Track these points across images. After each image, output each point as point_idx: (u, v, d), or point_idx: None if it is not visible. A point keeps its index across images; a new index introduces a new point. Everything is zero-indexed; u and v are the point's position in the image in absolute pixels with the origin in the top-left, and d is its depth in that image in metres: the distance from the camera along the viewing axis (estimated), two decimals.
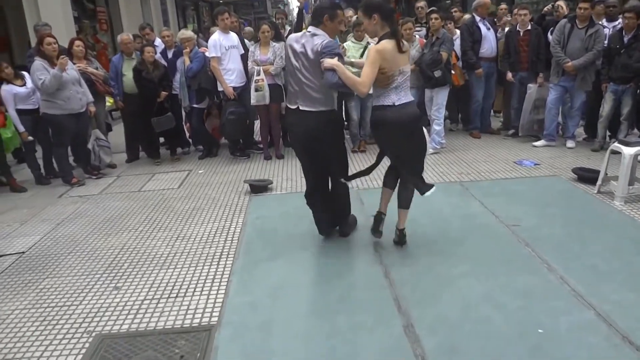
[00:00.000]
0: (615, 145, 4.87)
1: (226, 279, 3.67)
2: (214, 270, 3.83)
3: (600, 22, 6.50)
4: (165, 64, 7.09)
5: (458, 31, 7.29)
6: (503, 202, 4.81)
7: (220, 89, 6.77)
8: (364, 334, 2.91)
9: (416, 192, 3.84)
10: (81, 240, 4.60)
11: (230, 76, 6.69)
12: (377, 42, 3.54)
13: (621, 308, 3.00)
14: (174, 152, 7.40)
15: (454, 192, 5.20)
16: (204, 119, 7.20)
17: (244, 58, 6.81)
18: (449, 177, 5.67)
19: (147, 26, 8.27)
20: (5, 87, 6.12)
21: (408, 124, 3.63)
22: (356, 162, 6.50)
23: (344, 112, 7.73)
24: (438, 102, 6.57)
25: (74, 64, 6.38)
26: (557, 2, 7.10)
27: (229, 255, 4.06)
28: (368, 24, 3.61)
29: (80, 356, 2.89)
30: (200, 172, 6.63)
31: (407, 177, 3.83)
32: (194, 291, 3.53)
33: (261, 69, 6.50)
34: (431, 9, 7.67)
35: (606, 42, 6.27)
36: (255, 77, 6.52)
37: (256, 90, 6.53)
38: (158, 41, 7.90)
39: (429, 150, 6.55)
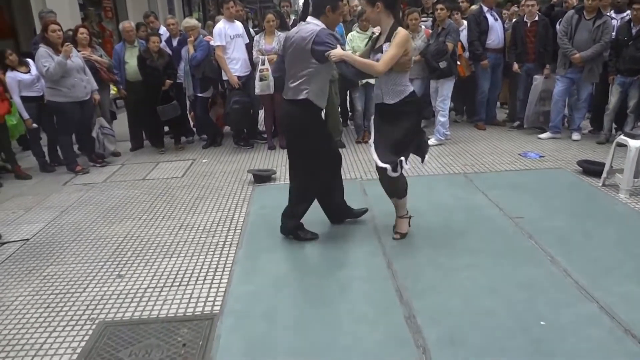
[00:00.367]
0: (621, 138, 4.84)
1: (229, 268, 3.68)
2: (217, 259, 3.84)
3: (608, 14, 6.44)
4: (170, 52, 7.08)
5: (465, 22, 7.24)
6: (507, 194, 4.79)
7: (224, 78, 6.76)
8: (366, 325, 2.92)
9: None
10: (85, 228, 4.61)
11: (235, 65, 6.67)
12: (391, 31, 3.51)
13: (624, 301, 2.99)
14: (178, 141, 7.41)
15: (457, 184, 5.18)
16: (208, 108, 7.20)
17: (249, 47, 6.79)
18: (453, 169, 5.65)
19: (151, 14, 8.24)
20: (10, 74, 6.12)
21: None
22: (360, 154, 6.49)
23: (349, 103, 7.72)
24: (443, 93, 6.54)
25: (79, 51, 6.37)
26: None
27: (232, 245, 4.07)
28: (371, 12, 3.59)
29: (83, 343, 2.91)
30: (204, 161, 6.63)
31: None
32: (197, 280, 3.54)
33: (266, 59, 6.48)
34: None
35: (614, 33, 6.22)
36: (259, 67, 6.50)
37: (261, 79, 6.51)
38: (163, 29, 7.88)
39: (433, 141, 6.60)
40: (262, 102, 6.93)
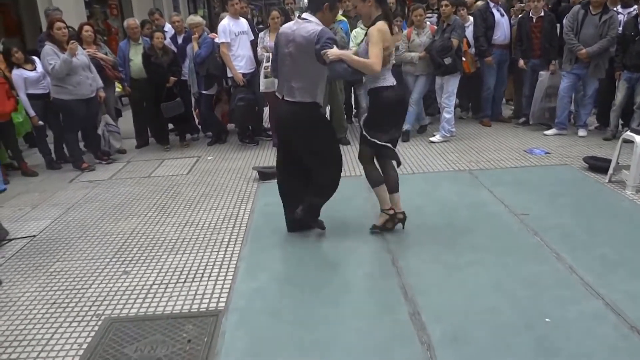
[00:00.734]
0: (628, 134, 4.82)
1: (234, 265, 3.69)
2: (222, 256, 3.85)
3: (614, 8, 6.39)
4: (175, 49, 7.09)
5: (471, 18, 7.21)
6: (512, 191, 4.77)
7: (229, 75, 6.76)
8: (370, 321, 2.92)
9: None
10: (91, 224, 4.63)
11: (240, 62, 6.67)
12: (370, 25, 3.59)
13: (630, 298, 2.98)
14: (183, 138, 7.42)
15: (463, 181, 5.17)
16: (213, 105, 7.21)
17: (254, 44, 6.78)
18: (458, 166, 5.64)
19: (156, 11, 8.25)
20: (16, 72, 6.15)
21: (405, 101, 4.03)
22: None
23: (353, 100, 7.72)
24: (448, 89, 6.52)
25: (84, 49, 6.39)
26: None
27: (237, 242, 4.08)
28: (362, 6, 3.62)
29: (89, 339, 2.93)
30: (209, 158, 6.64)
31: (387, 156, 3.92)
32: (202, 276, 3.55)
33: (270, 56, 6.46)
34: None
35: (620, 28, 6.17)
36: (264, 64, 6.49)
37: (265, 76, 6.50)
38: (168, 26, 7.88)
39: (439, 138, 6.59)
40: (266, 99, 6.92)
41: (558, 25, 6.71)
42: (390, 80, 3.73)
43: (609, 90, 6.49)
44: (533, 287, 3.16)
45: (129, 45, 7.03)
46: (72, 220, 4.77)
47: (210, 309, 3.16)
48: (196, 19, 7.16)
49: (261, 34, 6.80)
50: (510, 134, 6.90)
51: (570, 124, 6.87)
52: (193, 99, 7.40)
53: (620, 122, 6.44)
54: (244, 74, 6.65)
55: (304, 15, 3.64)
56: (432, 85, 6.82)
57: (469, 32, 7.03)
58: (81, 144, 6.73)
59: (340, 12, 6.47)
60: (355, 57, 3.54)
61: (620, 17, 6.35)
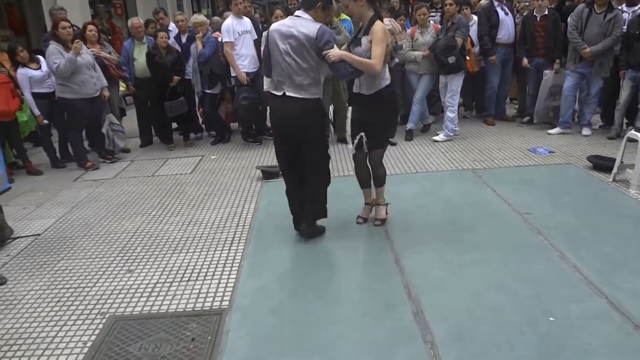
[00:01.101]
0: (632, 133, 4.80)
1: (237, 264, 3.69)
2: (226, 255, 3.86)
3: (619, 7, 6.36)
4: (179, 48, 7.10)
5: (474, 17, 7.19)
6: (516, 189, 4.76)
7: (233, 74, 6.76)
8: (374, 320, 2.92)
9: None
10: (95, 223, 4.65)
11: (243, 62, 6.68)
12: (368, 24, 3.63)
13: (634, 296, 2.97)
14: (186, 137, 7.43)
15: (466, 180, 5.17)
16: (216, 104, 7.21)
17: (257, 43, 6.79)
18: (461, 165, 5.63)
19: (160, 10, 8.26)
20: (21, 71, 6.17)
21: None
22: None
23: None
24: (452, 88, 6.50)
25: (88, 48, 6.41)
26: None
27: (241, 241, 4.09)
28: (354, 6, 3.64)
29: (93, 337, 2.94)
30: (212, 157, 6.65)
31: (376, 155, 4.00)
32: (206, 275, 3.56)
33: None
34: None
35: (625, 27, 6.15)
36: None
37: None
38: (172, 26, 7.90)
39: (442, 137, 6.58)
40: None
41: (562, 24, 6.69)
42: (388, 78, 3.80)
43: (614, 89, 6.47)
44: (537, 285, 3.16)
45: (133, 45, 7.04)
46: (77, 219, 4.78)
47: (214, 307, 3.17)
48: (200, 18, 7.16)
49: (265, 33, 6.80)
50: (514, 133, 6.88)
51: (574, 123, 6.85)
52: (197, 98, 7.40)
53: (625, 121, 6.41)
54: (247, 73, 6.66)
55: (298, 12, 3.63)
56: (435, 84, 6.81)
57: (473, 31, 7.01)
58: (85, 143, 6.75)
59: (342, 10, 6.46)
60: (357, 57, 3.56)
61: (625, 15, 6.32)
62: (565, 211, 4.26)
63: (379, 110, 3.83)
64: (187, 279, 3.53)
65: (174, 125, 7.43)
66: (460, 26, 6.43)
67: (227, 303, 3.20)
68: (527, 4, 7.49)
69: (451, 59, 6.25)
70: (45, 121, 6.33)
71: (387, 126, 3.98)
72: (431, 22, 6.78)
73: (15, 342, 2.96)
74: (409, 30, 6.83)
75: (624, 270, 3.28)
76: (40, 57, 6.38)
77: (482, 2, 7.75)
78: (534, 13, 6.79)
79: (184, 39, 7.29)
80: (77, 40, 5.99)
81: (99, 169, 6.42)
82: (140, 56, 6.91)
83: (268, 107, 4.01)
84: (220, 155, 6.71)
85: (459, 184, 5.05)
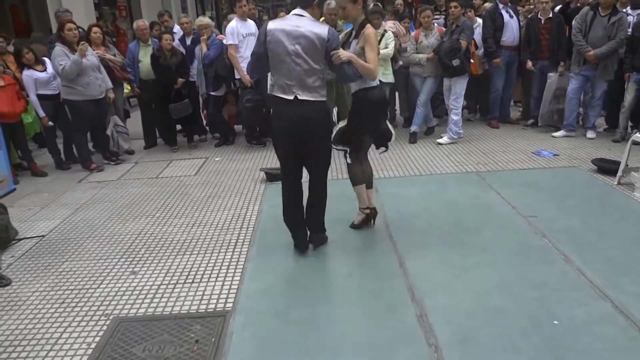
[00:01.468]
0: (637, 136, 4.79)
1: (241, 266, 3.70)
2: (229, 257, 3.86)
3: (624, 10, 6.35)
4: (184, 50, 7.12)
5: (478, 19, 7.19)
6: (520, 192, 4.75)
7: (237, 76, 6.78)
8: (377, 323, 2.92)
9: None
10: (99, 225, 4.66)
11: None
12: (359, 28, 3.65)
13: (639, 300, 2.96)
14: (191, 139, 7.45)
15: (470, 182, 5.16)
16: (221, 106, 7.23)
17: None
18: (465, 167, 5.62)
19: (165, 13, 8.29)
20: (27, 72, 6.19)
21: (386, 100, 4.05)
22: (371, 153, 6.46)
23: None
24: (456, 91, 6.50)
25: (92, 50, 6.43)
26: None
27: (244, 243, 4.09)
28: (352, 8, 3.63)
29: (97, 338, 2.95)
30: (216, 159, 6.66)
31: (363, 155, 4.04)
32: (210, 277, 3.56)
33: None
34: None
35: (630, 30, 6.13)
36: None
37: None
38: (177, 28, 7.92)
39: (446, 140, 6.57)
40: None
41: (567, 26, 6.68)
42: (376, 80, 3.79)
43: (618, 91, 6.46)
44: (541, 288, 3.15)
45: (139, 47, 7.07)
46: (81, 221, 4.80)
47: (217, 309, 3.17)
48: (205, 20, 7.19)
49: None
50: (518, 135, 6.87)
51: (578, 126, 6.83)
52: (201, 100, 7.42)
53: (630, 124, 6.40)
54: (251, 76, 6.66)
55: (298, 11, 3.49)
56: (439, 87, 6.81)
57: (477, 33, 7.01)
58: (90, 145, 6.77)
59: None
60: (361, 61, 3.54)
61: (630, 18, 6.32)
62: (570, 214, 4.25)
63: (355, 107, 3.86)
64: (190, 280, 3.54)
65: (178, 127, 7.45)
66: (465, 29, 6.43)
67: (230, 305, 3.20)
68: (532, 7, 7.48)
69: (455, 62, 6.24)
70: (50, 123, 6.35)
71: (352, 124, 3.89)
72: (435, 24, 6.79)
73: (19, 343, 2.96)
74: (413, 33, 6.84)
75: (628, 274, 3.26)
76: (45, 58, 6.41)
77: (486, 5, 7.75)
78: (539, 16, 6.78)
79: (188, 41, 7.30)
80: (82, 42, 6.02)
81: (103, 170, 6.44)
82: (145, 58, 6.94)
83: (272, 110, 3.83)
84: (224, 157, 6.72)
85: (463, 186, 5.04)
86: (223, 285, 3.45)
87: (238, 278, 3.52)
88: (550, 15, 6.69)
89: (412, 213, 4.41)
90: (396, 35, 6.80)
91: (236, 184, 5.58)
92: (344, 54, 3.45)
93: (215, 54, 6.77)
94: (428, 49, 6.50)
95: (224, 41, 6.82)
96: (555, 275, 3.31)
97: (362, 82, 3.71)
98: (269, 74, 3.61)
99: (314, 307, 3.12)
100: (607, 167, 5.14)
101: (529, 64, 6.92)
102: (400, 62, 6.88)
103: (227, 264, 3.75)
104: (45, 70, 6.31)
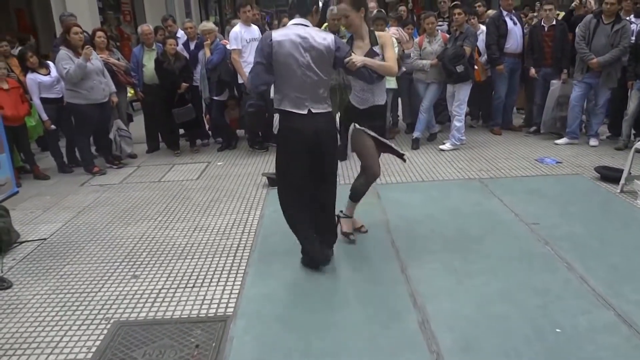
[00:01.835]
0: None
1: (242, 271, 3.69)
2: (231, 261, 3.85)
3: (627, 18, 6.36)
4: (188, 55, 7.14)
5: (482, 26, 7.21)
6: (523, 199, 4.74)
7: (240, 81, 6.79)
8: (379, 329, 2.90)
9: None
10: (101, 228, 4.66)
11: None
12: (371, 35, 3.69)
13: None
14: (193, 143, 7.46)
15: (473, 189, 5.15)
16: (224, 111, 7.24)
17: None
18: (468, 174, 5.61)
19: (169, 17, 8.34)
20: (30, 76, 6.22)
21: None
22: None
23: None
24: (460, 98, 6.50)
25: (97, 54, 6.45)
26: None
27: (246, 247, 4.08)
28: (355, 17, 3.60)
29: (98, 342, 2.94)
30: (219, 164, 6.67)
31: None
32: (211, 282, 3.55)
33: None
34: (454, 3, 7.57)
35: (633, 38, 6.14)
36: None
37: None
38: (180, 33, 7.96)
39: (449, 146, 6.57)
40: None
41: (570, 34, 6.68)
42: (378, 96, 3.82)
43: (621, 99, 6.45)
44: (544, 296, 3.13)
45: (143, 51, 7.09)
46: (83, 224, 4.80)
47: (218, 314, 3.16)
48: (208, 25, 7.21)
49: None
50: (521, 142, 6.87)
51: (581, 134, 6.83)
52: (204, 105, 7.43)
53: (633, 131, 6.39)
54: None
55: (300, 20, 3.38)
56: (442, 93, 6.81)
57: (481, 40, 7.02)
58: (93, 148, 6.78)
59: None
60: (377, 62, 3.54)
61: (633, 26, 6.32)
62: (573, 222, 4.23)
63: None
64: (192, 285, 3.53)
65: (181, 131, 7.47)
66: (469, 35, 6.44)
67: (231, 310, 3.19)
68: (535, 15, 7.49)
69: (459, 68, 6.25)
70: (53, 126, 6.37)
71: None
72: (439, 31, 6.80)
73: (20, 346, 2.95)
74: (417, 39, 6.85)
75: (632, 282, 3.25)
76: (49, 62, 6.43)
77: (489, 12, 7.77)
78: (542, 23, 6.79)
79: (192, 46, 7.33)
80: (87, 46, 6.05)
81: (105, 174, 6.45)
82: (149, 62, 6.96)
83: (278, 122, 3.65)
84: (227, 162, 6.72)
85: (466, 193, 5.04)
86: (224, 289, 3.44)
87: (239, 283, 3.51)
88: (554, 22, 6.70)
89: (414, 219, 4.40)
90: (399, 41, 6.81)
91: (238, 188, 5.58)
92: (357, 59, 3.40)
93: (219, 58, 6.79)
94: (432, 55, 6.52)
95: (228, 46, 6.84)
96: (557, 282, 3.30)
97: (376, 95, 3.72)
98: (272, 86, 3.54)
99: (315, 313, 3.11)
100: (610, 175, 5.13)
101: (532, 71, 6.92)
102: (404, 68, 6.88)
103: (228, 268, 3.74)
104: (49, 74, 6.33)
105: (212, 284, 3.52)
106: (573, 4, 7.35)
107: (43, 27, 11.49)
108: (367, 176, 3.86)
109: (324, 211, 3.67)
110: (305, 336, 2.88)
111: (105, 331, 3.04)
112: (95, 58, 6.20)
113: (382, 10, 7.84)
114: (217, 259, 3.91)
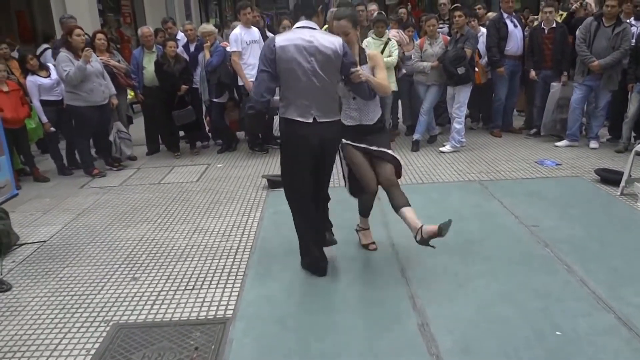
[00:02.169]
0: None
1: (242, 273, 3.68)
2: (230, 263, 3.85)
3: (628, 21, 6.36)
4: (188, 57, 7.14)
5: (482, 29, 7.21)
6: (523, 202, 4.74)
7: (240, 83, 6.79)
8: (379, 331, 2.90)
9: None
10: (101, 230, 4.66)
11: (251, 71, 6.68)
12: (360, 52, 3.63)
13: None
14: (193, 145, 7.46)
15: (473, 191, 5.15)
16: (223, 113, 7.24)
17: None
18: (468, 176, 5.61)
19: (169, 20, 8.33)
20: (30, 78, 6.22)
21: None
22: None
23: None
24: (460, 100, 6.50)
25: (97, 56, 6.45)
26: (586, 0, 6.98)
27: (246, 249, 4.08)
28: (354, 35, 3.55)
29: (97, 344, 2.93)
30: (219, 166, 6.67)
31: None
32: (210, 284, 3.55)
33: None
34: (455, 5, 7.58)
35: (634, 41, 6.14)
36: None
37: None
38: (181, 35, 7.96)
39: (449, 148, 6.57)
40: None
41: (571, 37, 6.68)
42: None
43: (621, 102, 6.45)
44: (544, 299, 3.13)
45: (143, 53, 7.09)
46: (82, 226, 4.79)
47: (218, 316, 3.16)
48: (208, 27, 7.22)
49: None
50: (521, 145, 6.86)
51: (581, 136, 6.83)
52: (204, 107, 7.43)
53: (633, 134, 6.39)
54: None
55: (306, 23, 3.30)
56: (443, 95, 6.81)
57: (481, 42, 7.02)
58: (93, 151, 6.78)
59: None
60: (376, 79, 3.47)
61: (634, 29, 6.32)
62: (573, 224, 4.23)
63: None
64: (191, 287, 3.53)
65: (181, 133, 7.47)
66: (470, 37, 6.45)
67: (231, 312, 3.19)
68: (536, 17, 7.50)
69: (460, 70, 6.25)
70: (53, 129, 6.37)
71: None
72: (440, 33, 6.80)
73: (19, 348, 2.95)
74: (417, 42, 6.85)
75: (632, 285, 3.24)
76: (49, 64, 6.44)
77: (489, 14, 7.77)
78: (542, 26, 6.79)
79: (192, 48, 7.33)
80: (87, 49, 6.05)
81: (105, 176, 6.44)
82: (149, 65, 6.96)
83: (279, 128, 3.57)
84: (227, 164, 6.72)
85: (466, 195, 5.03)
86: (223, 292, 3.44)
87: (239, 285, 3.51)
88: (554, 25, 6.70)
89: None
90: (400, 43, 6.82)
91: (238, 190, 5.58)
92: (363, 73, 3.35)
93: (218, 61, 6.79)
94: (432, 58, 6.52)
95: (228, 48, 6.84)
96: (557, 285, 3.29)
97: (377, 112, 3.64)
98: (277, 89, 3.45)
99: (314, 315, 3.10)
100: (610, 178, 5.13)
101: (532, 73, 6.92)
102: (404, 71, 6.89)
103: (227, 270, 3.74)
104: (49, 76, 6.33)
105: (211, 286, 3.51)
106: (573, 7, 7.35)
107: (43, 29, 11.48)
108: (365, 191, 3.79)
109: (319, 206, 3.68)
110: (304, 338, 2.87)
111: (104, 333, 3.03)
112: (95, 60, 6.20)
113: (383, 12, 7.84)
114: (217, 261, 3.91)
